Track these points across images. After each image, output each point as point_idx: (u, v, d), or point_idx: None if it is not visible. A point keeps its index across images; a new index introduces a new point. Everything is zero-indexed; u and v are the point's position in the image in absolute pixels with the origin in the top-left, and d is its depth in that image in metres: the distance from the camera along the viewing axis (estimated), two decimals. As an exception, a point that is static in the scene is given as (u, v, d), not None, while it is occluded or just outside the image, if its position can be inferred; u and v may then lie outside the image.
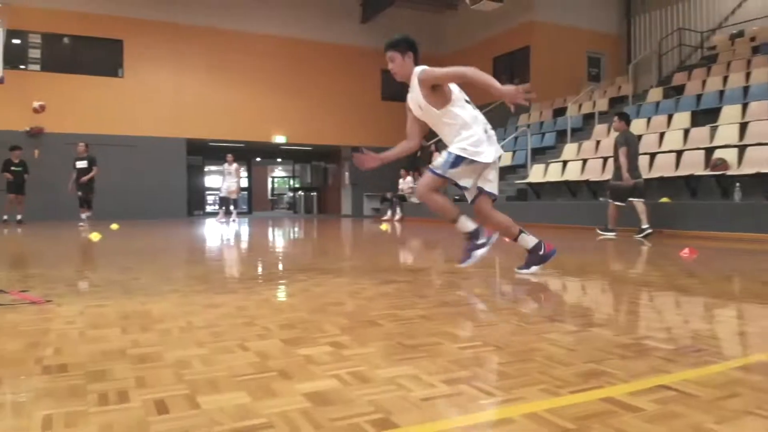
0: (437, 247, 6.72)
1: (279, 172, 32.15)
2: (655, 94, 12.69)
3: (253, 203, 24.87)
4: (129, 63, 15.91)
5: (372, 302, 2.68)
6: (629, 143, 7.56)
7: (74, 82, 15.21)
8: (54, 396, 1.37)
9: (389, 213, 13.93)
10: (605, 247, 6.24)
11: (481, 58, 18.47)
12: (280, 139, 17.86)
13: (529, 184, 11.36)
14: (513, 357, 1.72)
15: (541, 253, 3.62)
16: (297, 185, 24.27)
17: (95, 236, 7.55)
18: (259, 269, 4.27)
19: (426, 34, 19.81)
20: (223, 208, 13.64)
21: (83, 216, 11.34)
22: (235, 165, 14.21)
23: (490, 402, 1.34)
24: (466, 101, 3.57)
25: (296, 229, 11.08)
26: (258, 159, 23.36)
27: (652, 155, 9.46)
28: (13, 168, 12.41)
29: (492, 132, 3.63)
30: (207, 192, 22.52)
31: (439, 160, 3.49)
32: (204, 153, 19.59)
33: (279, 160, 24.98)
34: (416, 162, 15.02)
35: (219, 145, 18.59)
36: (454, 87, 3.51)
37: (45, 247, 6.57)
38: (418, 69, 3.48)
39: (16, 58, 14.64)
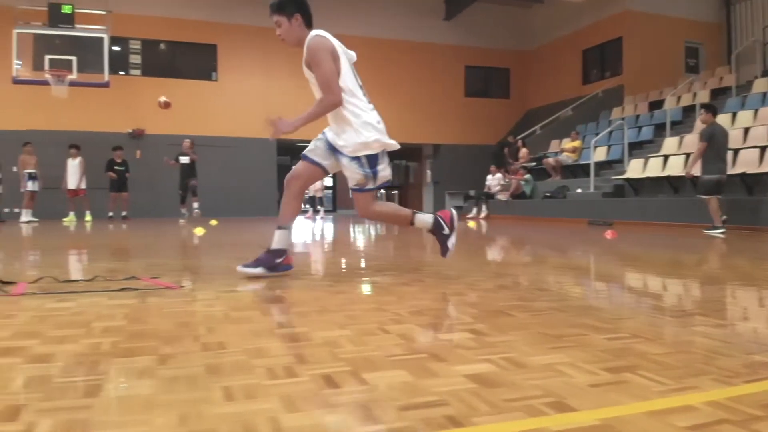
0: (533, 243, 6.58)
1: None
2: (761, 84, 11.87)
3: (337, 201, 25.36)
4: (222, 67, 16.60)
5: (494, 294, 2.64)
6: (713, 137, 7.23)
7: (172, 85, 16.03)
8: (222, 370, 1.43)
9: (474, 211, 13.77)
10: (714, 245, 5.88)
11: (571, 51, 17.95)
12: (364, 137, 18.08)
13: (627, 179, 10.89)
14: (670, 348, 1.64)
15: (445, 232, 3.24)
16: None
17: (199, 231, 7.93)
18: (364, 261, 4.33)
19: (511, 29, 19.51)
20: (310, 206, 13.98)
21: (194, 206, 11.90)
22: (319, 164, 14.54)
23: (664, 389, 1.29)
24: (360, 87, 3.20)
25: (385, 226, 11.16)
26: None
27: (762, 148, 8.85)
28: (116, 167, 13.27)
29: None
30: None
31: (356, 177, 3.09)
32: (292, 153, 20.13)
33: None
34: (503, 159, 14.80)
35: (306, 146, 19.05)
36: (346, 67, 3.12)
37: (155, 240, 6.96)
38: (313, 34, 3.09)
39: (118, 64, 15.60)
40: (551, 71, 18.70)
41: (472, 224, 10.32)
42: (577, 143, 13.37)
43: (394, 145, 3.16)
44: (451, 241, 3.26)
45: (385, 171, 3.15)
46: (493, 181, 14.02)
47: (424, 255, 4.78)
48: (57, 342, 1.73)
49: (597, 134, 13.74)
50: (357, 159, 3.08)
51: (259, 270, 3.11)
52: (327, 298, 2.48)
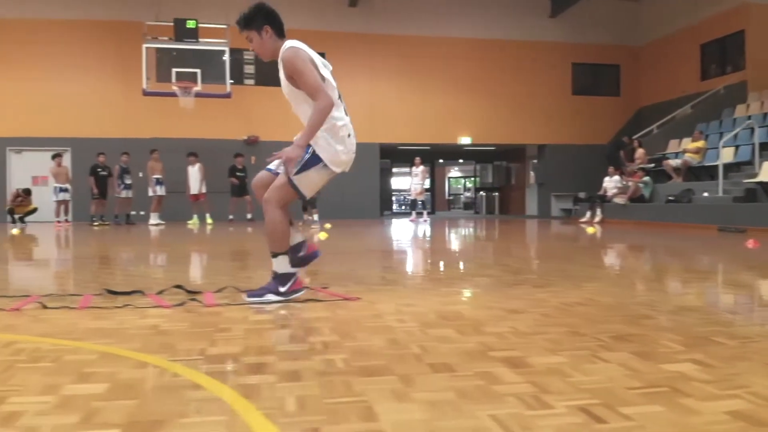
0: (679, 254, 6.27)
1: (455, 172, 32.41)
2: None
3: (435, 204, 25.37)
4: (329, 73, 17.07)
5: (684, 318, 2.55)
6: None
7: (282, 94, 16.68)
8: (471, 396, 1.48)
9: (588, 214, 13.29)
10: None
11: (687, 46, 16.94)
12: (465, 140, 17.99)
13: (760, 183, 10.13)
14: None
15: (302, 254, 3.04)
16: (475, 185, 24.25)
17: (323, 235, 8.21)
18: (518, 274, 4.28)
19: (621, 24, 18.69)
20: (412, 209, 14.10)
21: (315, 218, 12.24)
22: (422, 167, 14.63)
23: None
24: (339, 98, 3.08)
25: (501, 229, 11.05)
26: (440, 161, 23.79)
27: None
28: (238, 173, 14.00)
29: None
30: (394, 193, 23.43)
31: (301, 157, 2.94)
32: (392, 156, 20.41)
33: (461, 161, 25.19)
34: (616, 160, 14.19)
35: (406, 148, 19.24)
36: (328, 75, 3.03)
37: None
38: (286, 46, 2.97)
39: (233, 75, 16.43)
40: (665, 67, 17.74)
41: (591, 230, 9.97)
42: (700, 143, 12.59)
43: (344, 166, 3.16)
44: (269, 298, 2.89)
45: (307, 180, 2.97)
46: (611, 183, 13.42)
47: (571, 266, 4.68)
48: (292, 359, 1.85)
49: (721, 134, 12.87)
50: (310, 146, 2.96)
51: (270, 297, 2.93)
52: (510, 318, 2.49)
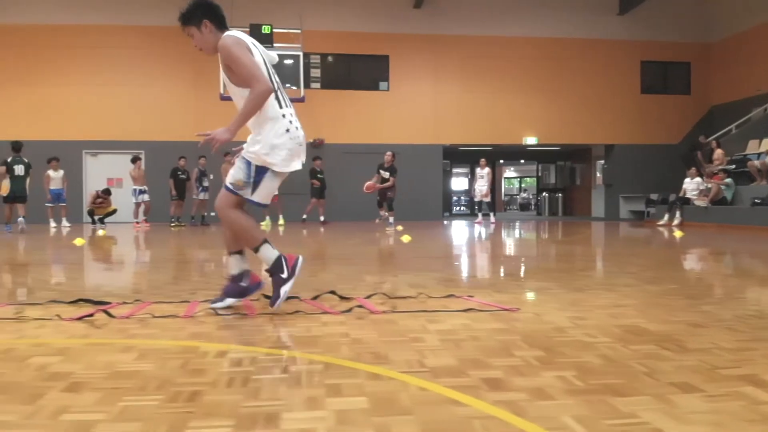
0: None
1: (510, 173, 32.03)
2: None
3: (496, 206, 25.12)
4: (394, 76, 17.13)
5: None
6: None
7: (347, 97, 16.84)
8: (745, 415, 1.45)
9: (666, 217, 12.90)
10: None
11: (762, 43, 16.26)
12: (531, 140, 17.75)
13: None
14: None
15: (283, 275, 2.85)
16: (538, 186, 23.87)
17: (406, 238, 8.23)
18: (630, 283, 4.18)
19: (692, 21, 18.10)
20: (481, 211, 13.97)
21: (390, 220, 12.30)
22: (487, 169, 14.47)
23: None
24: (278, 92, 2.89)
25: (583, 232, 10.85)
26: (501, 161, 23.55)
27: None
28: (318, 175, 14.21)
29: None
30: (454, 194, 23.31)
31: (237, 176, 2.90)
32: (452, 157, 20.31)
33: (522, 161, 24.87)
34: (692, 160, 13.73)
35: (466, 149, 19.11)
36: (261, 63, 2.86)
37: (399, 249, 7.30)
38: (222, 36, 2.84)
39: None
40: (740, 64, 17.06)
41: (678, 233, 9.69)
42: (785, 143, 12.07)
43: (295, 167, 2.95)
44: (285, 289, 2.83)
45: (265, 191, 2.90)
46: (691, 184, 12.97)
47: (707, 274, 4.55)
48: (519, 374, 1.84)
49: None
50: (247, 162, 2.88)
51: (229, 301, 2.95)
52: (700, 333, 2.42)
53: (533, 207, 29.87)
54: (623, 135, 17.82)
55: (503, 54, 17.29)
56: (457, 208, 24.67)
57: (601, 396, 1.62)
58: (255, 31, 12.61)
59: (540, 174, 23.27)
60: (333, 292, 3.30)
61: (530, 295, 3.48)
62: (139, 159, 13.67)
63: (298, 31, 13.01)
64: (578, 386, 1.71)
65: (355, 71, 17.27)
